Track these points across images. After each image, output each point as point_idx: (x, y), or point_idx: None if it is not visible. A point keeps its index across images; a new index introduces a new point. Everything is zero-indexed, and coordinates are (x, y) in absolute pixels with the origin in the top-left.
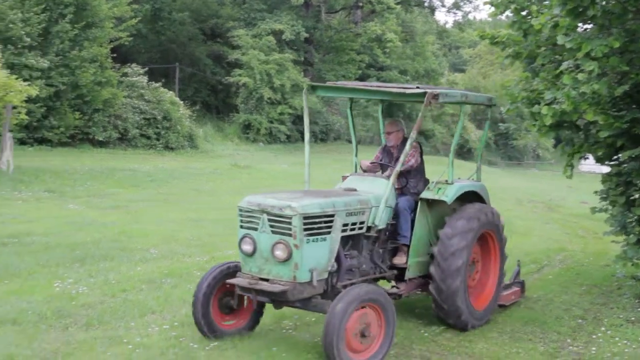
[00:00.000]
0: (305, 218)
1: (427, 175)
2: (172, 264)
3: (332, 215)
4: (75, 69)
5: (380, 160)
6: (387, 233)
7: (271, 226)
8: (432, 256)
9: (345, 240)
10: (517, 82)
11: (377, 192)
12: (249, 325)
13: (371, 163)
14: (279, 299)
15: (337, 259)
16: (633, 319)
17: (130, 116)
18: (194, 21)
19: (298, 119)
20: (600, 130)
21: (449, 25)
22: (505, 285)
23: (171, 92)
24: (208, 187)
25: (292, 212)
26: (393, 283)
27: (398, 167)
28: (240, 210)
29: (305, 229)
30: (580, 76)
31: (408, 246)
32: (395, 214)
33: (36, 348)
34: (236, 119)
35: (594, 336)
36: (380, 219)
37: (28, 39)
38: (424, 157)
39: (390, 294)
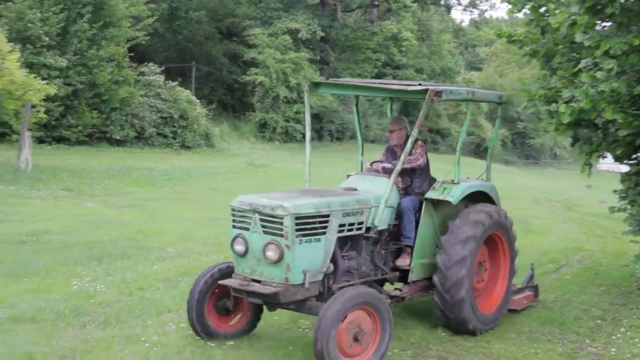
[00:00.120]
0: (297, 218)
1: (442, 175)
2: (189, 263)
3: (327, 216)
4: (93, 68)
5: (385, 160)
6: (389, 234)
7: (263, 226)
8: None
9: (343, 241)
10: (534, 79)
11: (378, 192)
12: (247, 327)
13: (371, 164)
14: (271, 301)
15: (334, 261)
16: None
17: (147, 115)
18: (210, 20)
19: (314, 118)
20: (619, 129)
21: (465, 24)
22: (518, 289)
23: (188, 91)
24: (224, 186)
25: (284, 212)
26: (397, 285)
27: (399, 166)
28: (233, 209)
29: (298, 230)
30: (598, 74)
31: (412, 247)
32: (399, 215)
33: (54, 346)
34: (252, 118)
35: (613, 337)
36: (380, 219)
37: (47, 39)
38: (428, 156)
39: (392, 297)
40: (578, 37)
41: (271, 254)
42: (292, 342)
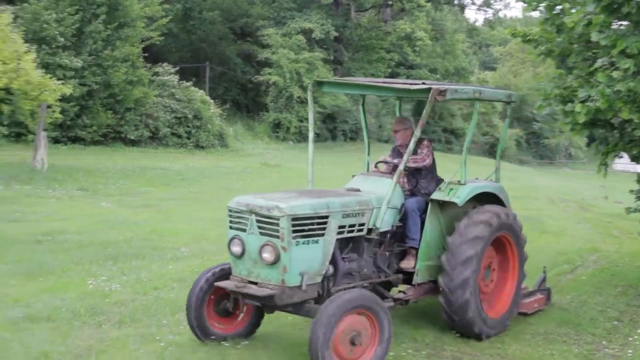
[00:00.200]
0: (294, 219)
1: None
2: (203, 263)
3: (326, 217)
4: (107, 68)
5: (391, 160)
6: (392, 235)
7: (259, 227)
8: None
9: (344, 243)
10: (549, 79)
11: (381, 193)
12: (248, 329)
13: (375, 165)
14: (267, 304)
15: (334, 263)
16: None
17: (162, 115)
18: (224, 20)
19: (328, 118)
20: (636, 129)
21: (479, 23)
22: (529, 292)
23: (202, 91)
24: (238, 186)
25: (280, 213)
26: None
27: (402, 166)
28: (230, 210)
29: (295, 231)
30: (615, 74)
31: (417, 249)
32: (404, 216)
33: (70, 345)
34: (266, 118)
35: (630, 338)
36: (382, 220)
37: (62, 39)
38: (435, 156)
39: (395, 300)
40: (594, 37)
41: (267, 255)
42: (307, 342)
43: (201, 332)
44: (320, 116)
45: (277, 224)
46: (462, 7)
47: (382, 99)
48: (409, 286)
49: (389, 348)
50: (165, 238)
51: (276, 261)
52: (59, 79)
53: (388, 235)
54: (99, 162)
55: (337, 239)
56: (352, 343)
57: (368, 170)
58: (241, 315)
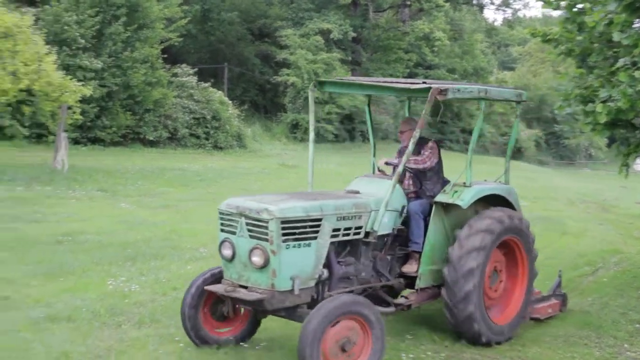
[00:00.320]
0: (284, 222)
1: (479, 176)
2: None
3: (319, 220)
4: (127, 69)
5: (392, 161)
6: (394, 239)
7: (249, 230)
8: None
9: (341, 246)
10: (570, 78)
11: (380, 195)
12: (246, 333)
13: (379, 169)
14: (257, 308)
15: (329, 266)
16: None
17: (180, 116)
18: (242, 21)
19: (346, 119)
20: None
21: (498, 23)
22: (542, 296)
23: (220, 92)
24: (256, 187)
25: (269, 216)
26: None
27: (400, 168)
28: (220, 213)
29: (285, 234)
30: (637, 73)
31: (420, 253)
32: (407, 219)
33: (90, 345)
34: (284, 119)
35: None
36: (380, 223)
37: (82, 41)
38: (442, 157)
39: (396, 305)
40: (616, 37)
41: (256, 259)
42: None
43: (197, 337)
44: (338, 117)
45: (266, 227)
46: (481, 7)
47: (400, 99)
48: (413, 291)
49: (382, 354)
50: (184, 239)
51: (265, 265)
52: (79, 81)
53: (389, 239)
54: (118, 163)
55: (332, 242)
56: (343, 349)
57: (374, 172)
58: (237, 320)
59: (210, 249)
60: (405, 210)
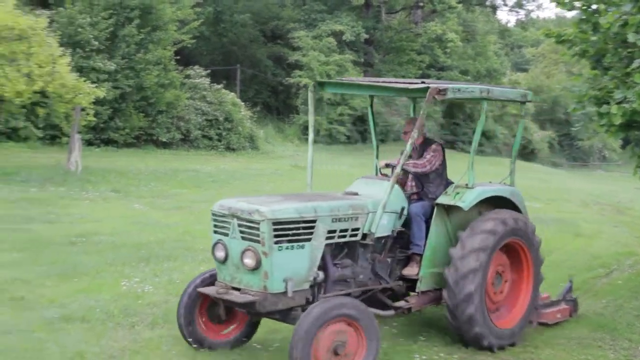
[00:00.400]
0: (275, 224)
1: (488, 178)
2: None
3: (313, 221)
4: (140, 71)
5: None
6: (395, 241)
7: (241, 232)
8: None
9: (338, 248)
10: (584, 80)
11: (379, 197)
12: (244, 335)
13: (381, 172)
14: (249, 311)
15: (325, 269)
16: None
17: (193, 117)
18: (255, 23)
19: (358, 120)
20: None
21: (511, 24)
22: (552, 301)
23: (232, 93)
24: (269, 188)
25: (260, 217)
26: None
27: (398, 169)
28: (213, 214)
29: (277, 236)
30: None
31: (421, 256)
32: (408, 221)
33: (104, 345)
34: (296, 120)
35: None
36: (378, 225)
37: (96, 43)
38: (446, 158)
39: (396, 308)
40: (631, 37)
41: (248, 260)
42: None
43: (193, 340)
44: (350, 118)
45: (258, 228)
46: (494, 8)
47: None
48: (415, 294)
49: (377, 358)
50: (197, 240)
51: (257, 267)
52: (92, 82)
53: (388, 241)
54: (131, 164)
55: (328, 244)
56: (336, 353)
57: (377, 174)
58: (235, 322)
59: None
60: (405, 212)
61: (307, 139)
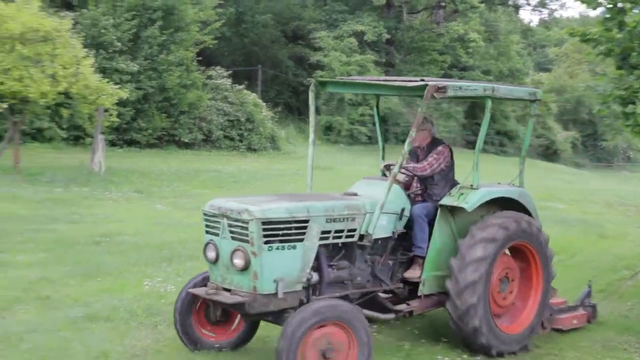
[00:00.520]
0: (265, 223)
1: (504, 178)
2: None
3: (306, 221)
4: (162, 72)
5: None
6: (393, 243)
7: (231, 232)
8: None
9: (335, 250)
10: (609, 80)
11: (377, 197)
12: (242, 337)
13: (385, 171)
14: (239, 312)
15: (319, 270)
16: None
17: (215, 118)
18: (276, 24)
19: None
20: None
21: (534, 24)
22: (568, 306)
23: (254, 94)
24: (290, 188)
25: (249, 217)
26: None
27: (396, 169)
28: (205, 214)
29: (267, 235)
30: None
31: (424, 258)
32: (411, 223)
33: (127, 345)
34: (317, 121)
35: None
36: (375, 226)
37: (119, 44)
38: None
39: (397, 311)
40: None
41: (238, 261)
42: None
43: (190, 342)
44: (371, 118)
45: (247, 228)
46: (517, 8)
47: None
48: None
49: None
50: None
51: (247, 267)
52: (115, 84)
53: (389, 243)
54: (153, 164)
55: (324, 245)
56: (324, 356)
57: (384, 175)
58: (233, 324)
59: None
60: (405, 214)
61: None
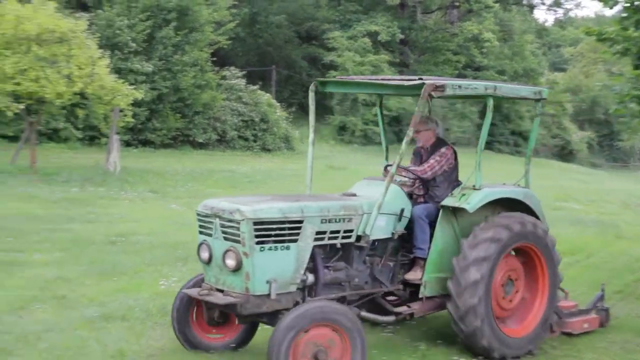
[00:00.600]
0: (257, 223)
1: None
2: None
3: (300, 222)
4: (177, 73)
5: (412, 163)
6: (393, 244)
7: (223, 232)
8: None
9: (333, 251)
10: (626, 80)
11: (376, 198)
12: (242, 338)
13: (385, 168)
14: (231, 313)
15: (315, 271)
16: None
17: (229, 118)
18: (290, 24)
19: (393, 121)
20: None
21: (549, 24)
22: (579, 310)
23: (268, 94)
24: (303, 188)
25: (240, 217)
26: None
27: (393, 169)
28: (198, 214)
29: (259, 236)
30: None
31: (425, 260)
32: (412, 224)
33: (143, 344)
34: (331, 121)
35: None
36: (373, 227)
37: (134, 45)
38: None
39: (396, 314)
40: None
41: (229, 261)
42: (376, 346)
43: (187, 343)
44: (386, 119)
45: (238, 228)
46: (532, 7)
47: (451, 102)
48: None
49: None
50: None
51: (239, 267)
52: (130, 84)
53: (389, 244)
54: (168, 164)
55: (320, 246)
56: (316, 359)
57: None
58: (231, 325)
59: None
60: (405, 214)
61: (341, 139)
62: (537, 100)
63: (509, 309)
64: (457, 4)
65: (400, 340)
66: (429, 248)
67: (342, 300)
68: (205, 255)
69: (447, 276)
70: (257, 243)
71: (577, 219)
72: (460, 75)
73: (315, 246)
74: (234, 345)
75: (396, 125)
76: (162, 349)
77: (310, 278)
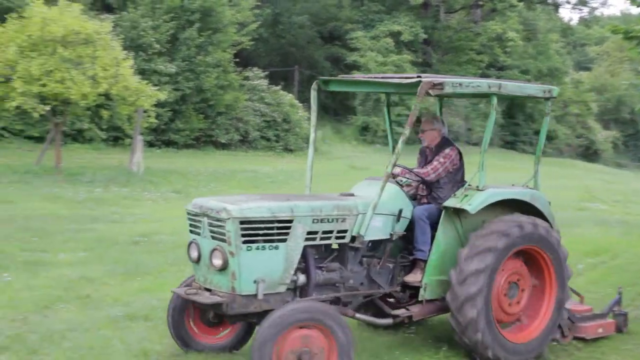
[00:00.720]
0: (243, 222)
1: (553, 179)
2: None
3: (289, 221)
4: (200, 73)
5: (418, 164)
6: (392, 245)
7: (210, 231)
8: None
9: (328, 251)
10: None
11: (372, 198)
12: (238, 339)
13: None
14: (218, 312)
15: (307, 272)
16: None
17: (251, 119)
18: (312, 24)
19: (416, 121)
20: None
21: (574, 22)
22: (594, 314)
23: (290, 94)
24: (325, 188)
25: (226, 216)
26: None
27: (389, 169)
28: (188, 213)
29: (246, 235)
30: None
31: (425, 262)
32: (413, 225)
33: (166, 344)
34: (354, 121)
35: None
36: (368, 227)
37: (157, 46)
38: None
39: (394, 316)
40: None
41: (216, 260)
42: (398, 346)
43: (182, 343)
44: (407, 119)
45: (224, 227)
46: (556, 6)
47: (473, 102)
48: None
49: None
50: None
51: (225, 267)
52: (154, 85)
53: (387, 245)
54: (191, 165)
55: (313, 246)
56: None
57: (394, 177)
58: (228, 326)
59: None
60: (405, 215)
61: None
62: (547, 99)
63: (516, 312)
64: (480, 3)
65: (421, 341)
66: (429, 250)
67: (336, 301)
68: (194, 254)
69: (448, 279)
70: (244, 242)
71: (602, 219)
72: (484, 75)
73: (307, 246)
74: (229, 346)
75: (418, 125)
76: (185, 349)
77: (302, 278)
